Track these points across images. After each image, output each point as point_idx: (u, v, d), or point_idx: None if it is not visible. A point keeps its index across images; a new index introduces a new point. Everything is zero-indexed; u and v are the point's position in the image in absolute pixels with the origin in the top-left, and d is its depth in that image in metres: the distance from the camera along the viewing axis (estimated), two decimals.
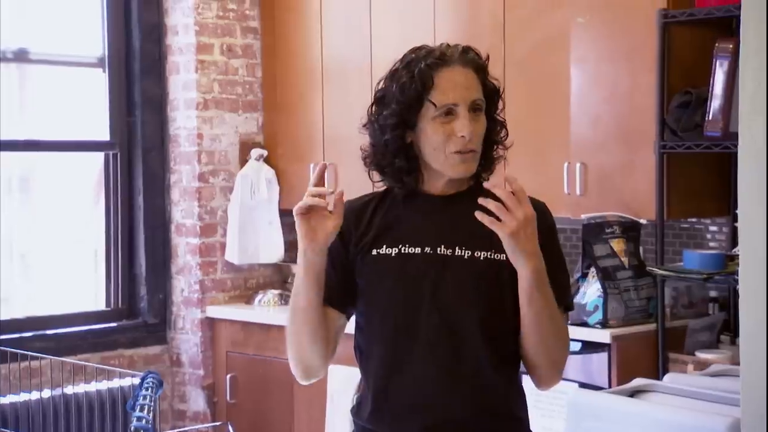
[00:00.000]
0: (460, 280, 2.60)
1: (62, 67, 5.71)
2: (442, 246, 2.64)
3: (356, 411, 2.74)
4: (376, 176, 2.72)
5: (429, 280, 2.59)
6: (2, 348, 4.96)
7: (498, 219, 2.43)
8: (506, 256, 2.58)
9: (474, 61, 2.66)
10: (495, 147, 2.71)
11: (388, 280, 2.66)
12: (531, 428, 2.82)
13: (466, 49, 2.68)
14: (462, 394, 2.66)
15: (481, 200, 2.45)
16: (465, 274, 2.63)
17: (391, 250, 2.66)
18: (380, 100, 2.60)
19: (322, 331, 2.68)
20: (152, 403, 3.37)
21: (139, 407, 3.42)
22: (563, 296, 2.74)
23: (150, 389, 3.49)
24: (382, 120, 2.58)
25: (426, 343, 2.62)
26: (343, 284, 2.74)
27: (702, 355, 4.57)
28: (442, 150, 2.56)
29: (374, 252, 2.67)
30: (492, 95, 2.69)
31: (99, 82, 5.68)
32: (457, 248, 2.64)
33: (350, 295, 2.75)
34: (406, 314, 2.64)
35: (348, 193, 5.14)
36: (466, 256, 2.64)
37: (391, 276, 2.66)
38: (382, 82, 2.63)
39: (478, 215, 2.44)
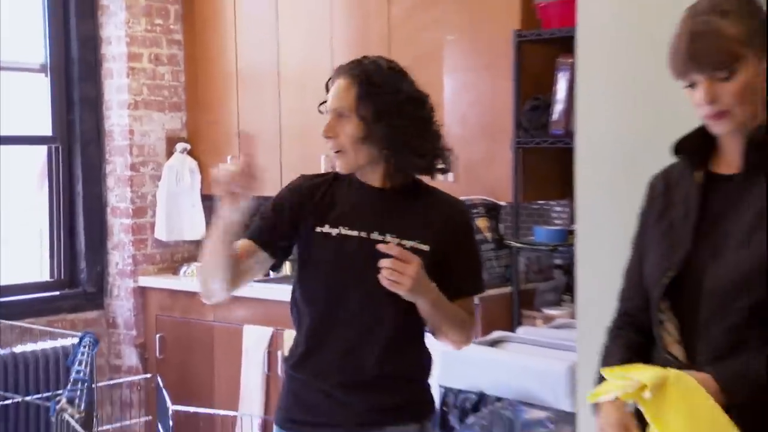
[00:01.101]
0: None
1: (9, 72, 5.72)
2: (376, 232, 2.82)
3: (287, 359, 3.03)
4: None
5: (360, 260, 2.75)
6: None
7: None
8: (429, 246, 2.84)
9: (351, 72, 2.84)
10: (404, 150, 2.83)
11: (327, 256, 2.87)
12: (429, 387, 3.02)
13: (357, 62, 2.89)
14: (375, 358, 2.84)
15: (381, 247, 2.68)
16: (390, 258, 2.74)
17: (332, 230, 2.85)
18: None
19: (223, 271, 2.82)
20: (89, 359, 3.57)
21: (77, 362, 3.73)
22: (478, 285, 3.02)
23: (87, 347, 3.70)
24: None
25: (350, 313, 2.84)
26: (276, 230, 2.95)
27: (548, 312, 4.84)
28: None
29: (318, 229, 2.86)
30: (382, 101, 2.80)
31: (42, 85, 5.85)
32: (387, 235, 2.81)
33: (277, 240, 2.96)
34: (337, 286, 2.85)
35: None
36: (394, 240, 2.80)
37: (329, 253, 2.87)
38: None
39: (381, 280, 2.64)
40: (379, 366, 2.83)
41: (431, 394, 3.00)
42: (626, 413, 2.25)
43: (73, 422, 2.05)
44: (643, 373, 2.18)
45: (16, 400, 4.26)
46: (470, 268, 2.98)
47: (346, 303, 2.83)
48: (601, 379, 2.36)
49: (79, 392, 2.79)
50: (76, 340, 5.19)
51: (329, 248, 2.86)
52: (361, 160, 2.84)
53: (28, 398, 4.34)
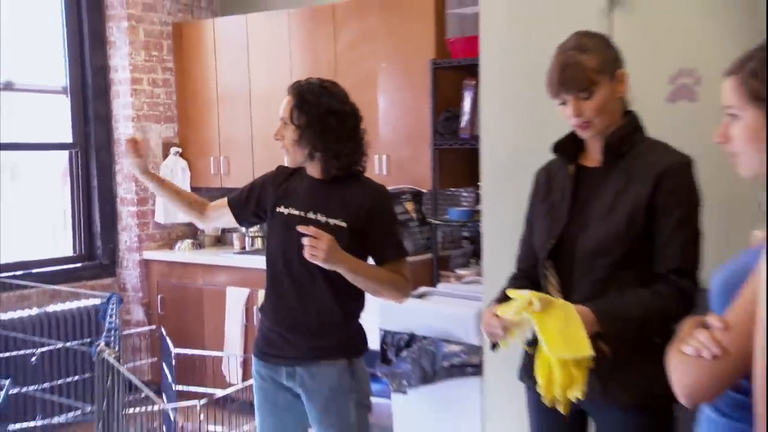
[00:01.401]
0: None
1: (38, 93, 5.73)
2: (311, 212, 2.88)
3: (260, 308, 3.14)
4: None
5: (300, 235, 2.72)
6: (3, 281, 5.00)
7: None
8: (347, 224, 2.86)
9: (292, 90, 2.88)
10: (326, 152, 2.86)
11: (280, 229, 2.95)
12: (357, 333, 3.00)
13: (298, 82, 2.90)
14: (314, 310, 2.90)
15: (301, 228, 2.71)
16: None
17: (285, 209, 2.93)
18: None
19: (176, 205, 3.25)
20: (116, 312, 3.53)
21: (109, 315, 3.76)
22: (399, 252, 2.97)
23: (114, 304, 3.56)
24: None
25: (294, 273, 2.90)
26: (244, 202, 3.12)
27: (459, 272, 4.80)
28: None
29: (277, 209, 2.95)
30: (310, 113, 2.83)
31: (64, 104, 5.78)
32: (319, 215, 2.87)
33: (244, 208, 3.12)
34: (285, 253, 2.89)
35: (234, 176, 5.69)
36: (322, 221, 2.85)
37: (281, 227, 2.94)
38: None
39: (304, 253, 2.69)
40: (317, 315, 2.89)
41: (360, 339, 3.00)
42: (498, 317, 2.28)
43: (112, 360, 2.12)
44: (535, 294, 2.24)
45: (59, 346, 4.19)
46: (389, 239, 2.95)
47: (290, 266, 2.88)
48: (502, 299, 2.40)
49: (112, 338, 2.85)
50: (97, 301, 5.26)
51: (281, 223, 2.93)
52: (299, 157, 2.89)
53: (68, 344, 4.29)
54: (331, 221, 2.85)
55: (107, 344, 2.21)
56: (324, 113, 2.83)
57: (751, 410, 1.23)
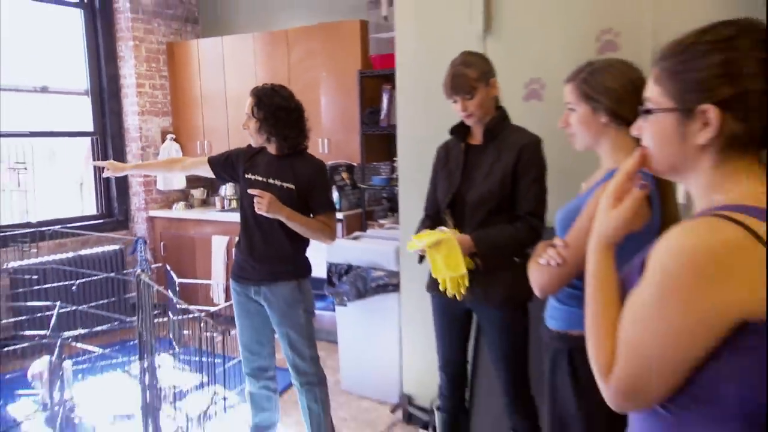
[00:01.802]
0: (276, 197, 2.76)
1: (65, 95, 5.58)
2: (270, 178, 2.87)
3: (235, 245, 3.08)
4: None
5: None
6: (42, 231, 4.88)
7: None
8: (294, 186, 2.82)
9: (252, 92, 2.84)
10: (278, 137, 2.85)
11: (247, 186, 2.88)
12: (303, 262, 2.97)
13: (257, 87, 2.86)
14: (272, 246, 2.89)
15: (251, 191, 2.73)
16: (276, 193, 2.79)
17: (251, 176, 2.91)
18: None
19: (157, 171, 3.43)
20: (144, 249, 3.57)
21: (140, 251, 3.71)
22: (329, 207, 2.92)
23: (142, 244, 3.73)
24: None
25: (259, 225, 2.89)
26: (222, 164, 3.07)
27: (381, 221, 4.90)
28: None
29: (246, 176, 2.93)
30: (265, 109, 2.81)
31: (86, 103, 5.67)
32: (276, 180, 2.86)
33: (221, 167, 3.07)
34: (250, 206, 2.82)
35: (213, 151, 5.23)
36: (278, 185, 2.85)
37: (248, 185, 2.88)
38: None
39: (256, 207, 2.70)
40: (275, 250, 2.89)
41: (305, 266, 2.98)
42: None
43: (149, 281, 2.19)
44: (432, 234, 2.34)
45: (101, 276, 4.05)
46: (321, 198, 2.90)
47: (257, 216, 2.83)
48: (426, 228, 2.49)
49: (145, 267, 2.88)
50: (116, 247, 5.39)
51: (249, 185, 2.88)
52: (260, 141, 2.89)
53: (111, 274, 4.15)
54: (284, 185, 2.85)
55: (143, 271, 2.26)
56: (275, 109, 2.83)
57: (580, 299, 1.26)
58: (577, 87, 1.87)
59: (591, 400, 1.71)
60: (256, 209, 2.73)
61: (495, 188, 2.40)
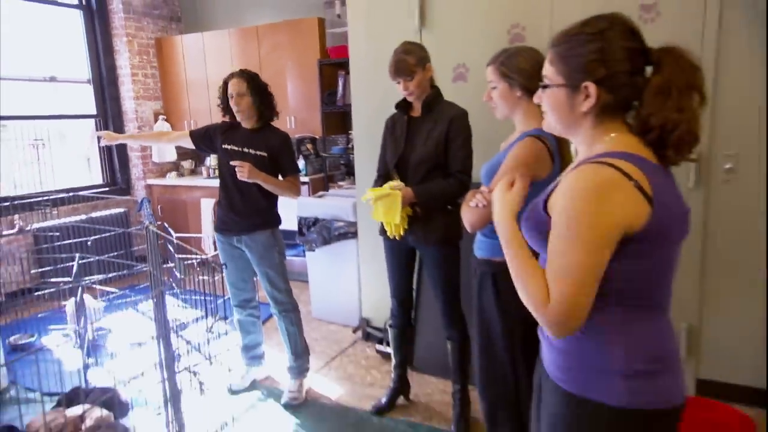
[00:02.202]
0: (250, 161, 2.72)
1: (72, 83, 5.35)
2: (245, 147, 2.78)
3: (217, 203, 2.98)
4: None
5: (239, 160, 2.70)
6: (62, 197, 4.65)
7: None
8: (267, 153, 2.73)
9: (242, 75, 2.73)
10: (258, 111, 2.76)
11: (227, 158, 2.79)
12: (275, 215, 2.86)
13: (241, 71, 2.76)
14: (249, 203, 2.80)
15: (233, 163, 2.64)
16: (252, 160, 2.73)
17: (229, 146, 2.80)
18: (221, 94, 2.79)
19: (149, 141, 3.21)
20: (149, 207, 3.60)
21: (146, 208, 3.61)
22: (294, 170, 2.84)
23: (147, 202, 3.70)
24: (221, 102, 2.80)
25: (237, 186, 2.79)
26: (201, 137, 2.94)
27: (340, 183, 4.78)
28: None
29: (223, 146, 2.82)
30: (257, 89, 2.74)
31: (88, 90, 5.47)
32: (251, 149, 2.77)
33: (200, 139, 2.94)
34: (230, 170, 2.76)
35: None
36: (252, 152, 2.76)
37: (227, 157, 2.79)
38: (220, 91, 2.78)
39: (237, 175, 2.62)
40: (251, 205, 2.81)
41: (277, 218, 2.90)
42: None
43: (156, 230, 2.16)
44: (383, 189, 2.37)
45: (117, 232, 3.96)
46: (288, 162, 2.83)
47: (235, 178, 2.76)
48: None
49: (152, 220, 2.86)
50: (121, 209, 5.24)
51: (227, 154, 2.80)
52: (249, 116, 2.77)
53: (124, 229, 4.06)
54: (258, 153, 2.78)
55: (150, 223, 2.24)
56: (262, 89, 2.79)
57: None
58: (497, 68, 1.90)
59: (512, 315, 1.87)
60: (238, 176, 2.67)
61: (431, 151, 2.39)
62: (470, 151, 2.41)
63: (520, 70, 1.84)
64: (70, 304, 3.47)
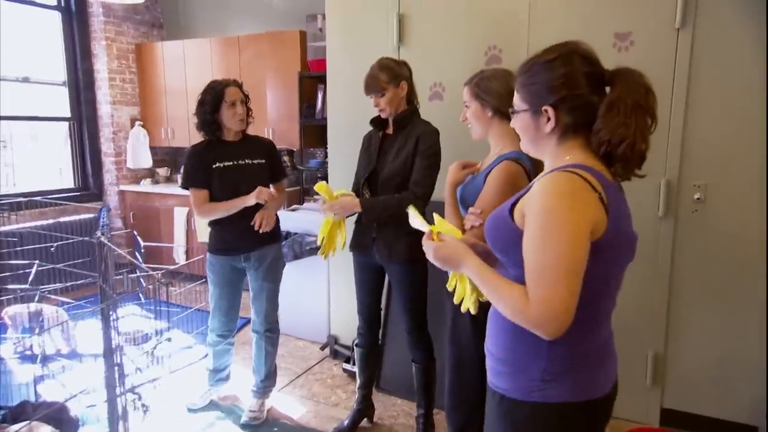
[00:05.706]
0: (251, 171, 2.70)
1: (46, 85, 5.28)
2: (240, 160, 2.71)
3: (213, 222, 2.79)
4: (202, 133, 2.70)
5: (239, 174, 2.67)
6: (21, 201, 4.56)
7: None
8: (265, 160, 2.72)
9: (237, 84, 2.71)
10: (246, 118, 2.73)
11: (225, 179, 2.69)
12: (279, 229, 2.86)
13: (232, 80, 2.73)
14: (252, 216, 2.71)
15: (257, 200, 2.61)
16: (250, 170, 2.71)
17: (221, 164, 2.70)
18: (201, 103, 2.67)
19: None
20: (107, 216, 3.55)
21: (103, 217, 3.54)
22: (284, 173, 2.87)
23: (106, 211, 3.66)
24: (202, 112, 2.67)
25: (245, 209, 2.69)
26: (204, 179, 2.71)
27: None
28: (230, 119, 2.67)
29: (215, 166, 2.70)
30: (245, 98, 2.71)
31: (63, 93, 5.40)
32: (247, 159, 2.72)
33: (206, 184, 2.72)
34: (232, 187, 2.68)
35: (177, 139, 5.63)
36: (250, 162, 2.72)
37: (222, 177, 2.70)
38: (201, 96, 2.66)
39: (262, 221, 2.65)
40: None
41: (280, 232, 2.90)
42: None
43: (107, 242, 2.10)
44: (337, 191, 2.43)
45: (74, 240, 3.91)
46: (279, 166, 2.83)
47: (239, 195, 2.69)
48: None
49: (105, 231, 2.80)
50: (92, 215, 5.12)
51: (222, 173, 2.70)
52: (239, 125, 2.71)
53: (79, 238, 4.02)
54: (256, 161, 2.74)
55: (102, 233, 2.18)
56: (246, 98, 2.75)
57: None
58: (471, 89, 1.97)
59: None
60: (262, 227, 2.67)
61: (399, 167, 2.43)
62: (431, 167, 2.40)
63: (494, 93, 1.91)
64: (9, 309, 3.36)
